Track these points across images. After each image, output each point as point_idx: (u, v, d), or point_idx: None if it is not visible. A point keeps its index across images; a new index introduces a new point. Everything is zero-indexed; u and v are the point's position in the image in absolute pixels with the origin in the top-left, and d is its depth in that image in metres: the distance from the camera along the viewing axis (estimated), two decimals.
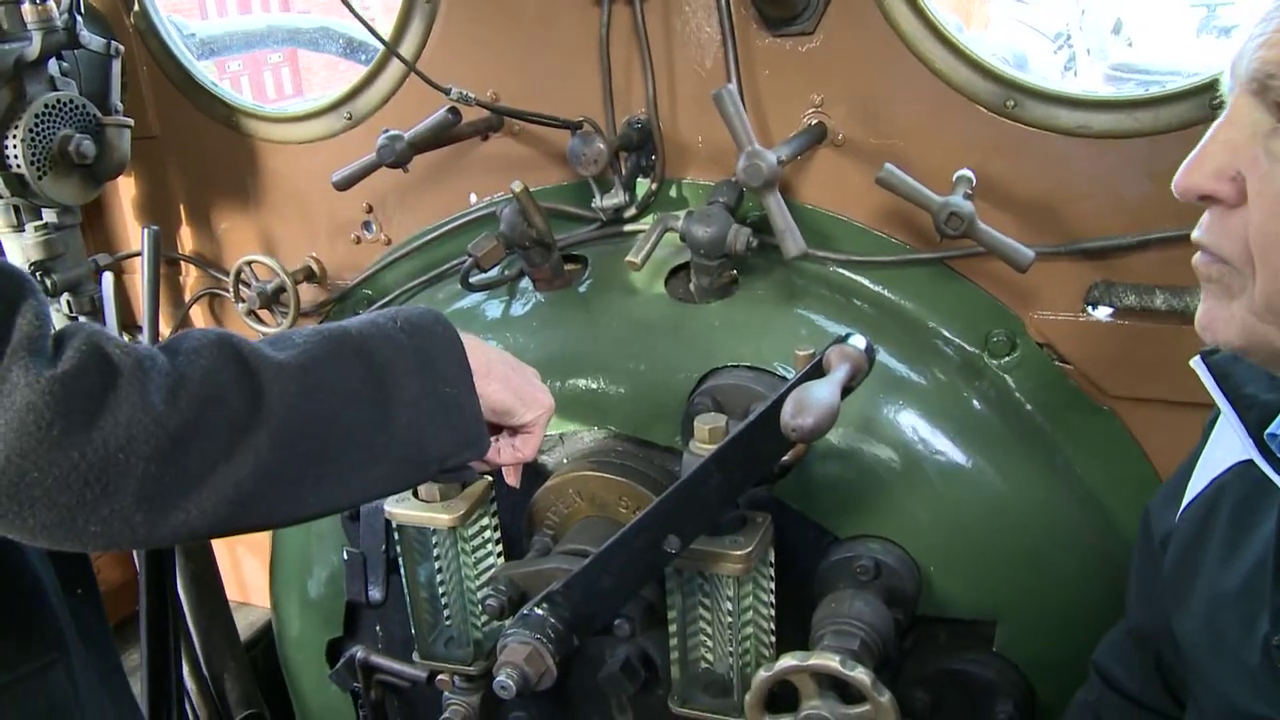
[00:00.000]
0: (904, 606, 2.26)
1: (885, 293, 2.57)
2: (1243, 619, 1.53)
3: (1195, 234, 1.47)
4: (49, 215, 3.06)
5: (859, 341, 1.90)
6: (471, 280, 2.64)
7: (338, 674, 2.83)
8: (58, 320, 3.12)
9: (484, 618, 2.43)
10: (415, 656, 2.52)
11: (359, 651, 2.77)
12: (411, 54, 2.78)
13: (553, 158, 2.79)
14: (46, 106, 2.84)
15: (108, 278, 3.01)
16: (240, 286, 3.21)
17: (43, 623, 1.83)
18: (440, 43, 2.78)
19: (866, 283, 2.58)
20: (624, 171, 2.68)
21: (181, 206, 3.38)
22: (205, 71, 3.22)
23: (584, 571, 2.09)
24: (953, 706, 2.38)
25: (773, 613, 2.21)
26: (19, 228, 3.04)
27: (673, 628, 2.22)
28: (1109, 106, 2.29)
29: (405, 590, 2.46)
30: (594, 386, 2.46)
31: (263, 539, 3.53)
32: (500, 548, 2.48)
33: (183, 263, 3.43)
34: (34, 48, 2.78)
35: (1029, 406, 2.50)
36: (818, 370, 1.89)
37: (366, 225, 3.11)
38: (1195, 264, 1.49)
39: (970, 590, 2.31)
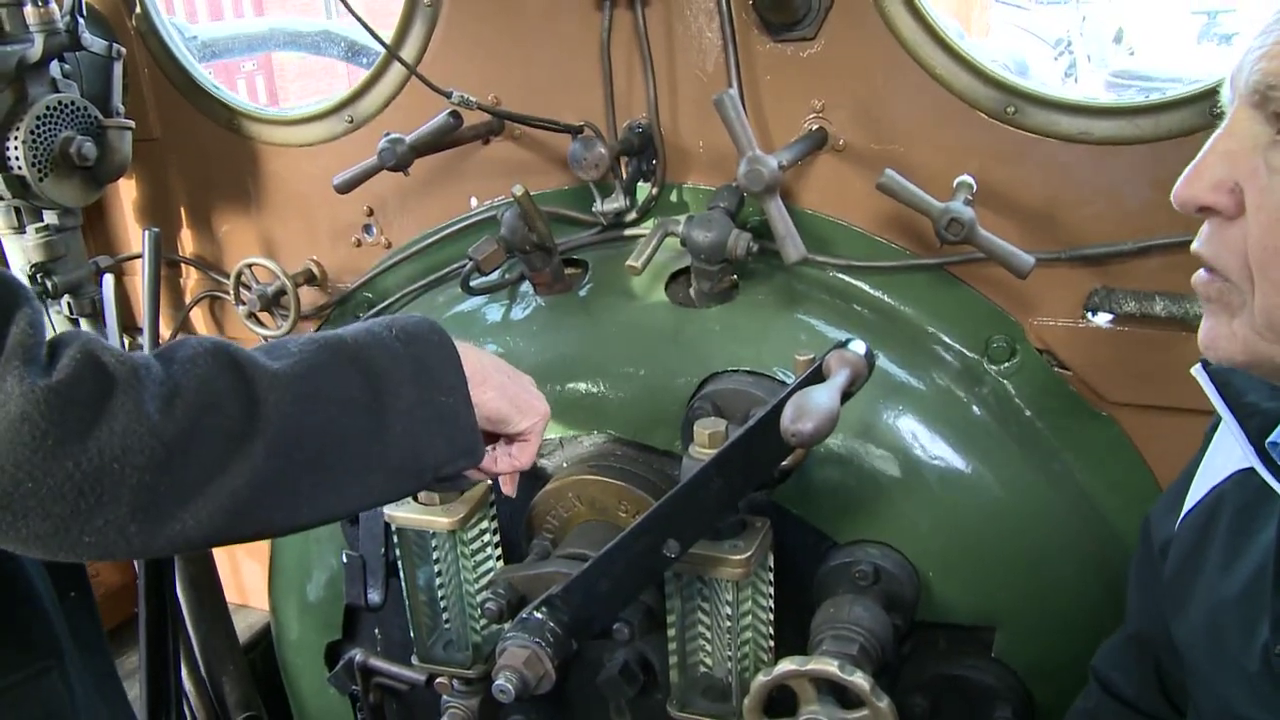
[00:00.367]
0: (903, 612, 2.26)
1: (885, 298, 2.57)
2: (1243, 625, 1.53)
3: (1195, 246, 1.46)
4: (50, 217, 3.07)
5: (859, 347, 1.90)
6: (472, 284, 2.64)
7: (336, 677, 2.83)
8: (58, 323, 3.14)
9: (483, 621, 2.43)
10: (414, 660, 2.52)
11: (358, 654, 2.77)
12: (413, 57, 2.79)
13: (554, 162, 2.80)
14: (48, 108, 2.84)
15: (108, 280, 3.02)
16: (241, 289, 3.21)
17: (37, 629, 1.82)
18: (442, 46, 2.78)
19: (867, 288, 2.58)
20: (625, 176, 2.68)
21: (182, 209, 3.38)
22: (205, 74, 3.22)
23: (583, 575, 2.09)
24: (951, 712, 2.38)
25: (772, 617, 2.21)
26: (20, 229, 3.05)
27: (672, 632, 2.22)
28: (1110, 113, 2.29)
29: (404, 593, 2.46)
30: (594, 390, 2.46)
31: (261, 543, 3.53)
32: (499, 551, 2.48)
33: (183, 265, 3.44)
34: (36, 49, 2.78)
35: (1028, 412, 2.50)
36: (817, 375, 1.89)
37: (367, 228, 3.11)
38: (1195, 283, 1.49)
39: (969, 596, 2.31)
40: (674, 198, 2.73)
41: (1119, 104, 2.30)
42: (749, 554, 2.07)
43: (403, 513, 2.34)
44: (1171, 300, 2.30)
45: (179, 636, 3.04)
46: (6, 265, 3.15)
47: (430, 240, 2.99)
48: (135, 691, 3.15)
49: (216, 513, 1.45)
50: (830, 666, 1.96)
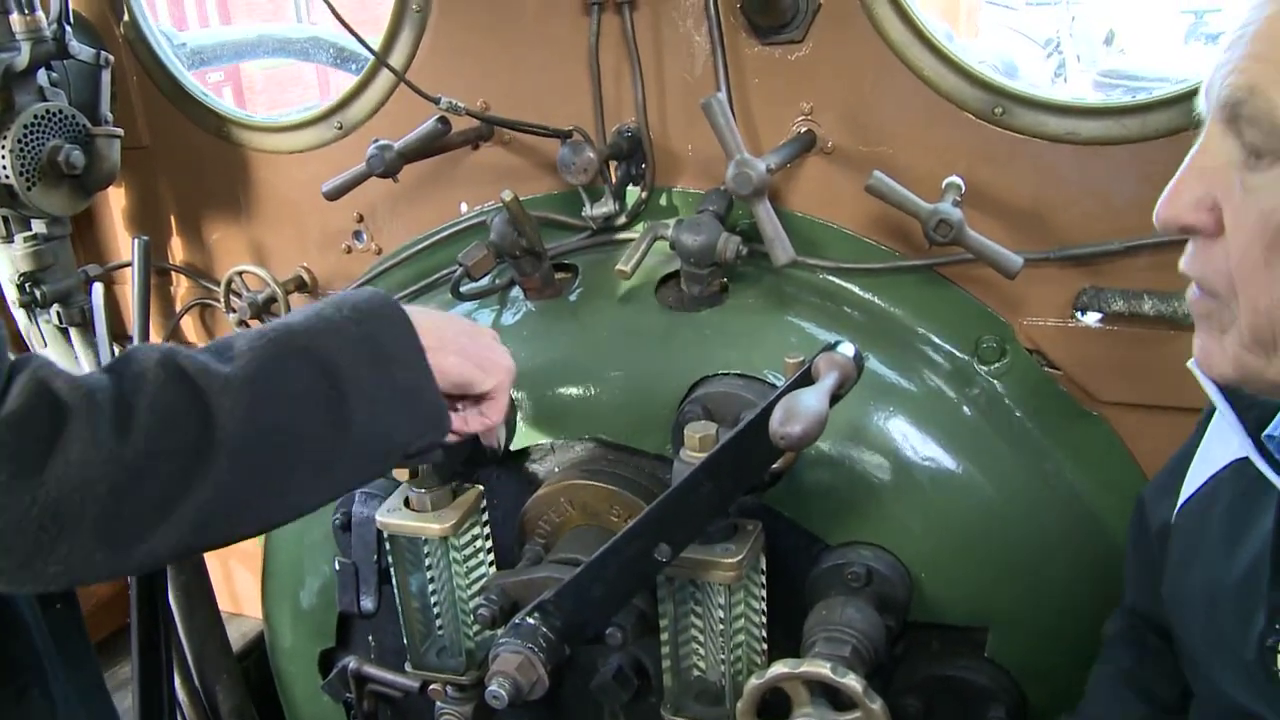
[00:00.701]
0: (895, 613, 2.26)
1: (875, 300, 2.58)
2: (1239, 614, 1.53)
3: (1182, 265, 1.45)
4: (38, 226, 3.07)
5: (847, 349, 1.90)
6: (462, 289, 2.64)
7: (330, 685, 2.82)
8: (48, 333, 3.13)
9: (476, 627, 2.43)
10: (407, 666, 2.52)
11: (351, 662, 2.77)
12: (401, 64, 2.79)
13: (543, 167, 2.80)
14: (35, 117, 2.84)
15: (98, 288, 3.01)
16: (231, 297, 3.21)
17: (16, 646, 1.78)
18: (430, 52, 2.78)
19: (856, 290, 2.58)
20: (614, 180, 2.69)
21: (172, 217, 3.38)
22: (194, 81, 3.22)
23: (575, 580, 2.09)
24: (945, 713, 2.37)
25: (764, 620, 2.21)
26: (8, 238, 3.05)
27: (664, 636, 2.22)
28: (1097, 113, 2.30)
29: (397, 600, 2.45)
30: (585, 395, 2.46)
31: (254, 549, 3.53)
32: (492, 557, 2.48)
33: (173, 273, 3.43)
34: (23, 58, 2.78)
35: (1019, 412, 2.51)
36: (806, 378, 1.89)
37: (357, 235, 3.11)
38: (1188, 300, 1.48)
39: (961, 596, 2.31)
40: (663, 201, 2.73)
41: (1106, 104, 2.30)
42: (741, 557, 2.07)
43: (395, 519, 2.33)
44: (1160, 299, 2.30)
45: (172, 645, 3.03)
46: None
47: (420, 246, 2.99)
48: (128, 702, 3.15)
49: (185, 528, 1.43)
50: (823, 669, 1.96)
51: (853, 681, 1.95)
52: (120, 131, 3.03)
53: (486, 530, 2.45)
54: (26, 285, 3.10)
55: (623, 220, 2.74)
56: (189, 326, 3.47)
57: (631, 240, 2.55)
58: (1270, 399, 1.56)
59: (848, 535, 2.31)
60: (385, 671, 2.72)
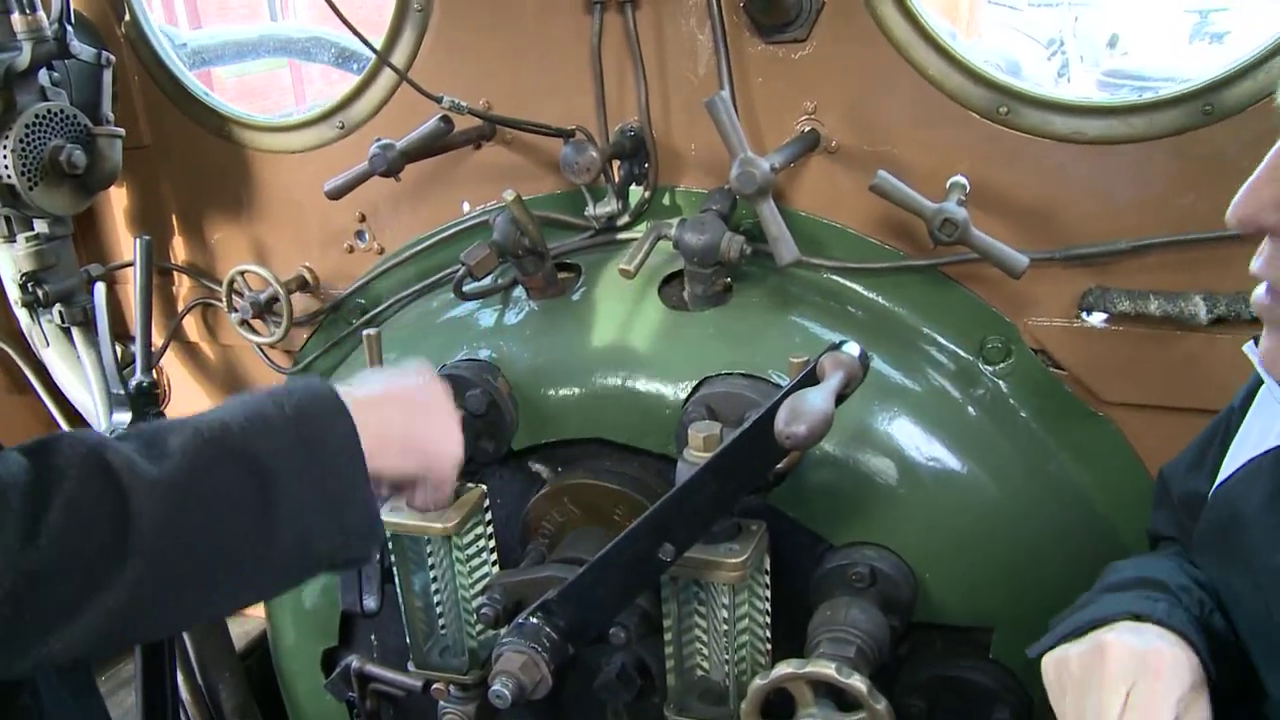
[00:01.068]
0: (900, 613, 2.26)
1: (879, 300, 2.57)
2: None
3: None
4: (40, 226, 3.06)
5: (853, 349, 1.90)
6: (465, 289, 2.63)
7: (333, 684, 2.82)
8: (50, 332, 3.13)
9: (479, 626, 2.42)
10: (410, 666, 2.51)
11: (354, 661, 2.76)
12: (403, 63, 2.78)
13: (546, 166, 2.79)
14: (37, 117, 2.83)
15: (100, 288, 3.00)
16: (233, 296, 3.20)
17: None
18: (432, 51, 2.78)
19: (861, 289, 2.58)
20: (617, 179, 2.68)
21: (174, 216, 3.38)
22: (196, 81, 3.21)
23: (579, 580, 2.09)
24: (949, 713, 2.37)
25: (768, 620, 2.21)
26: (10, 238, 3.04)
27: (668, 636, 2.22)
28: (1102, 112, 2.29)
29: (400, 599, 2.45)
30: (588, 395, 2.46)
31: None
32: (495, 556, 2.47)
33: (175, 273, 3.43)
34: (24, 58, 2.77)
35: (1024, 413, 2.50)
36: (811, 378, 1.89)
37: (359, 234, 3.10)
38: (1255, 302, 1.45)
39: (966, 597, 2.31)
40: (666, 201, 2.72)
41: (1112, 103, 2.30)
42: (745, 557, 2.06)
43: (398, 518, 2.32)
44: (1166, 299, 2.30)
45: (175, 644, 3.03)
46: None
47: (423, 246, 2.99)
48: (131, 700, 3.15)
49: (89, 634, 1.37)
50: (828, 669, 1.95)
51: (857, 682, 1.94)
52: (121, 131, 3.02)
53: (490, 529, 2.45)
54: (29, 285, 3.10)
55: (626, 220, 2.73)
56: (191, 326, 3.46)
57: (634, 240, 2.55)
58: None
59: (852, 535, 2.30)
60: (388, 671, 2.72)
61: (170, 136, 3.25)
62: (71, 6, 2.88)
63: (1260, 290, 1.42)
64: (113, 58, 3.03)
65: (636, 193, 2.72)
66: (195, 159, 3.24)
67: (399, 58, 2.78)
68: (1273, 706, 1.58)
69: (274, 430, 1.54)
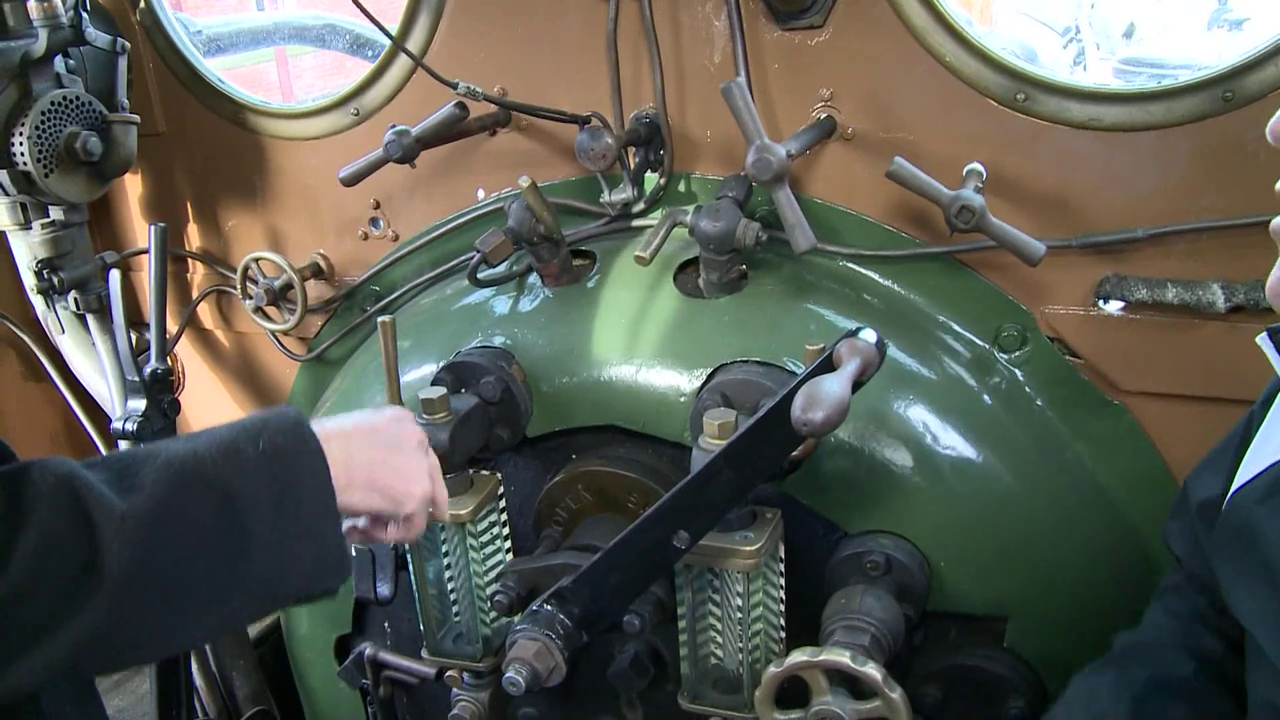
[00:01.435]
0: (914, 602, 2.25)
1: (895, 287, 2.56)
2: None
3: (1275, 223, 1.42)
4: (56, 213, 3.07)
5: (870, 336, 1.89)
6: (480, 276, 2.63)
7: (346, 671, 2.83)
8: (65, 319, 3.14)
9: (493, 614, 2.42)
10: (424, 653, 2.52)
11: (367, 648, 2.77)
12: (419, 49, 2.78)
13: (561, 153, 2.78)
14: (53, 104, 2.84)
15: (115, 275, 3.00)
16: (247, 283, 3.21)
17: None
18: (447, 38, 2.77)
19: (876, 277, 2.57)
20: (632, 166, 2.67)
21: (188, 204, 3.38)
22: (211, 68, 3.21)
23: (593, 567, 2.09)
24: (964, 703, 2.37)
25: (783, 608, 2.21)
26: (26, 225, 3.04)
27: (682, 624, 2.22)
28: (1120, 99, 2.28)
29: (414, 587, 2.45)
30: (602, 382, 2.45)
31: None
32: (509, 544, 2.48)
33: (190, 260, 3.43)
34: (40, 45, 2.78)
35: (1039, 401, 2.49)
36: (828, 365, 1.88)
37: (374, 222, 3.10)
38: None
39: (980, 586, 2.30)
40: (682, 188, 2.72)
41: (1130, 90, 2.28)
42: (759, 545, 2.06)
43: None
44: (1183, 287, 2.28)
45: None
46: (13, 261, 3.15)
47: (437, 233, 2.99)
48: (145, 687, 3.16)
49: (52, 664, 1.36)
50: (842, 657, 1.95)
51: (872, 670, 1.94)
52: (137, 118, 3.02)
53: (504, 517, 2.45)
54: (44, 272, 3.10)
55: (641, 206, 2.72)
56: (205, 313, 3.47)
57: (650, 227, 2.54)
58: None
59: (867, 524, 2.30)
60: (401, 658, 2.72)
61: (185, 123, 3.25)
62: None
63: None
64: (128, 45, 3.03)
65: (652, 179, 2.71)
66: (210, 146, 3.24)
67: (414, 44, 2.78)
68: None
69: (246, 464, 1.52)
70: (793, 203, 2.29)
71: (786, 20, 2.45)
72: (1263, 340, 1.60)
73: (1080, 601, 2.34)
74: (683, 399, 2.37)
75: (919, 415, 2.34)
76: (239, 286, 3.22)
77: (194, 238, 3.41)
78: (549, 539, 2.46)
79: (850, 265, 2.58)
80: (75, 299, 3.17)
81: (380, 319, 2.32)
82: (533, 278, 2.68)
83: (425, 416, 2.28)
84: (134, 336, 3.10)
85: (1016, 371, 2.50)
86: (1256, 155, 2.18)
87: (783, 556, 2.19)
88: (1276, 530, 1.58)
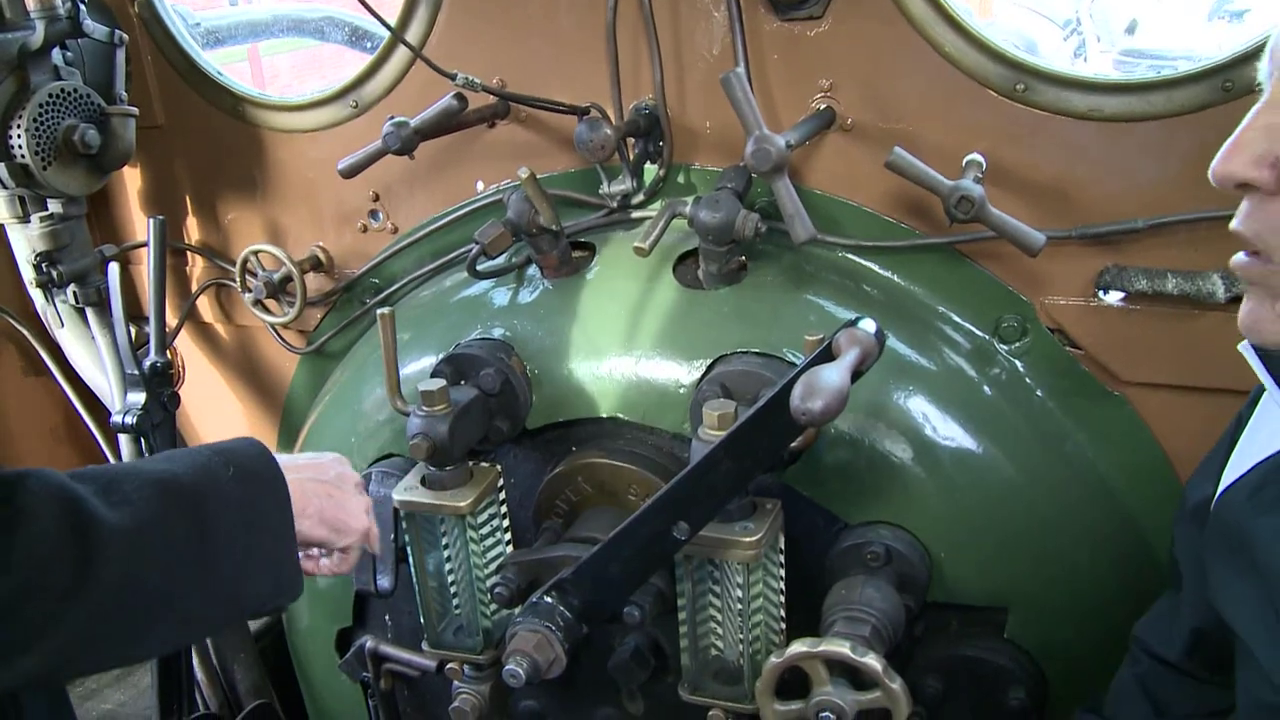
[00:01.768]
0: (915, 593, 2.25)
1: (895, 278, 2.56)
2: None
3: (1234, 223, 1.44)
4: (54, 205, 3.06)
5: (869, 325, 1.89)
6: (479, 267, 2.62)
7: (347, 664, 2.83)
8: (64, 312, 3.14)
9: (493, 606, 2.42)
10: (424, 645, 2.52)
11: (368, 641, 2.77)
12: (418, 40, 2.77)
13: (560, 144, 2.78)
14: (50, 96, 2.83)
15: (113, 268, 3.00)
16: (247, 276, 3.20)
17: None
18: (446, 29, 2.77)
19: (876, 268, 2.57)
20: (631, 157, 2.67)
21: (187, 196, 3.37)
22: (209, 60, 3.21)
23: (593, 559, 2.09)
24: (964, 693, 2.37)
25: (783, 599, 2.21)
26: (24, 218, 3.04)
27: (683, 615, 2.22)
28: (1121, 90, 2.27)
29: (414, 579, 2.45)
30: (602, 374, 2.45)
31: None
32: (509, 536, 2.47)
33: (189, 253, 3.43)
34: (37, 37, 2.77)
35: (1040, 392, 2.49)
36: (827, 354, 1.88)
37: (373, 214, 3.09)
38: (1235, 265, 1.47)
39: (981, 577, 2.30)
40: (681, 179, 2.71)
41: (1130, 80, 2.28)
42: (759, 536, 2.06)
43: (412, 498, 2.33)
44: (1183, 277, 2.28)
45: None
46: (12, 255, 3.14)
47: (437, 225, 2.98)
48: (147, 681, 3.16)
49: (34, 669, 1.44)
50: (843, 648, 1.95)
51: (872, 661, 1.94)
52: (135, 110, 3.02)
53: (504, 509, 2.45)
54: (43, 265, 3.10)
55: (640, 198, 2.72)
56: (205, 306, 3.47)
57: (649, 218, 2.54)
58: None
59: (867, 515, 2.30)
60: (402, 651, 2.72)
61: (183, 116, 3.24)
62: None
63: (1239, 256, 1.45)
64: (126, 37, 3.03)
65: (651, 171, 2.71)
66: (208, 138, 3.23)
67: (413, 35, 2.77)
68: None
69: (221, 486, 1.65)
70: (792, 193, 2.29)
71: (785, 11, 2.45)
72: (1244, 347, 1.61)
73: (1081, 592, 2.34)
74: (682, 390, 2.37)
75: (919, 406, 2.33)
76: (238, 279, 3.22)
77: (193, 231, 3.41)
78: (549, 531, 2.46)
79: (850, 256, 2.57)
80: (74, 292, 3.17)
81: (380, 311, 2.32)
82: (532, 269, 2.68)
83: (425, 409, 2.28)
84: (133, 330, 3.10)
85: (1016, 362, 2.49)
86: None
87: (783, 547, 2.19)
88: (1262, 527, 1.59)
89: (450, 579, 2.43)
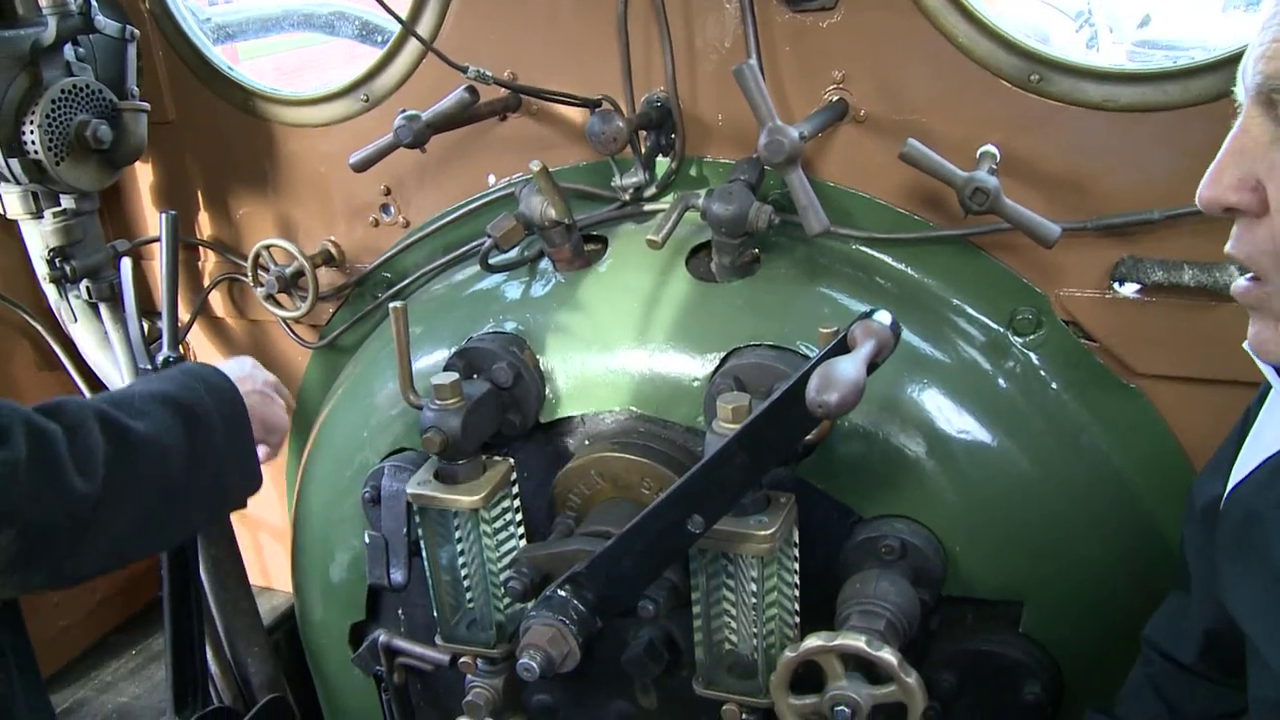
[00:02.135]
0: (930, 587, 2.24)
1: (908, 270, 2.55)
2: None
3: (1228, 247, 1.46)
4: (67, 201, 3.06)
5: (884, 317, 1.88)
6: (491, 261, 2.62)
7: (361, 657, 2.83)
8: (77, 308, 3.14)
9: (506, 600, 2.42)
10: (438, 639, 2.52)
11: (381, 635, 2.77)
12: (429, 33, 2.77)
13: (572, 137, 2.77)
14: (63, 92, 2.83)
15: (126, 263, 3.01)
16: (259, 271, 3.20)
17: None
18: (458, 21, 2.76)
19: (889, 260, 2.55)
20: (643, 150, 2.66)
21: (199, 191, 3.38)
22: (220, 55, 3.20)
23: (607, 553, 2.08)
24: (979, 688, 2.36)
25: (797, 593, 2.20)
26: (38, 214, 3.05)
27: (697, 609, 2.21)
28: (1136, 79, 2.25)
29: (427, 573, 2.45)
30: (615, 367, 2.45)
31: (284, 524, 3.54)
32: (522, 529, 2.47)
33: (201, 248, 3.43)
34: (50, 33, 2.77)
35: (1055, 385, 2.47)
36: (842, 346, 1.87)
37: (385, 208, 3.09)
38: (1235, 292, 1.49)
39: (996, 570, 2.29)
40: (693, 172, 2.70)
41: (1146, 70, 2.26)
42: (774, 529, 2.06)
43: (425, 492, 2.33)
44: (1200, 269, 2.26)
45: (203, 619, 3.05)
46: (26, 250, 3.15)
47: (449, 219, 2.98)
48: (161, 674, 3.17)
49: (91, 562, 1.82)
50: (858, 642, 1.95)
51: (888, 655, 1.93)
52: (147, 106, 3.02)
53: (517, 503, 2.45)
54: (56, 261, 3.10)
55: (653, 191, 2.71)
56: (217, 301, 3.47)
57: (662, 211, 2.53)
58: None
59: (881, 508, 2.29)
60: (416, 645, 2.72)
61: (195, 111, 3.24)
62: None
63: (1240, 281, 1.47)
64: (137, 32, 3.03)
65: (663, 163, 2.70)
66: (220, 133, 3.23)
67: (424, 28, 2.77)
68: None
69: (200, 399, 2.03)
70: (806, 185, 2.28)
71: (798, 2, 2.43)
72: (1249, 346, 1.60)
73: (1096, 585, 2.33)
74: (696, 383, 2.37)
75: (933, 399, 2.32)
76: (250, 274, 3.22)
77: (205, 225, 3.41)
78: (562, 525, 2.45)
79: (863, 248, 2.56)
80: (87, 287, 3.17)
81: (392, 305, 2.32)
82: (544, 263, 2.67)
83: (437, 402, 2.28)
84: (146, 325, 3.11)
85: (1031, 355, 2.48)
86: None
87: (797, 541, 2.18)
88: (1274, 522, 1.58)
89: (463, 573, 2.43)
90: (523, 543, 2.47)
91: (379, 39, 3.99)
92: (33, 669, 2.09)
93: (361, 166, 2.70)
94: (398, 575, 2.67)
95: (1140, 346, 2.40)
